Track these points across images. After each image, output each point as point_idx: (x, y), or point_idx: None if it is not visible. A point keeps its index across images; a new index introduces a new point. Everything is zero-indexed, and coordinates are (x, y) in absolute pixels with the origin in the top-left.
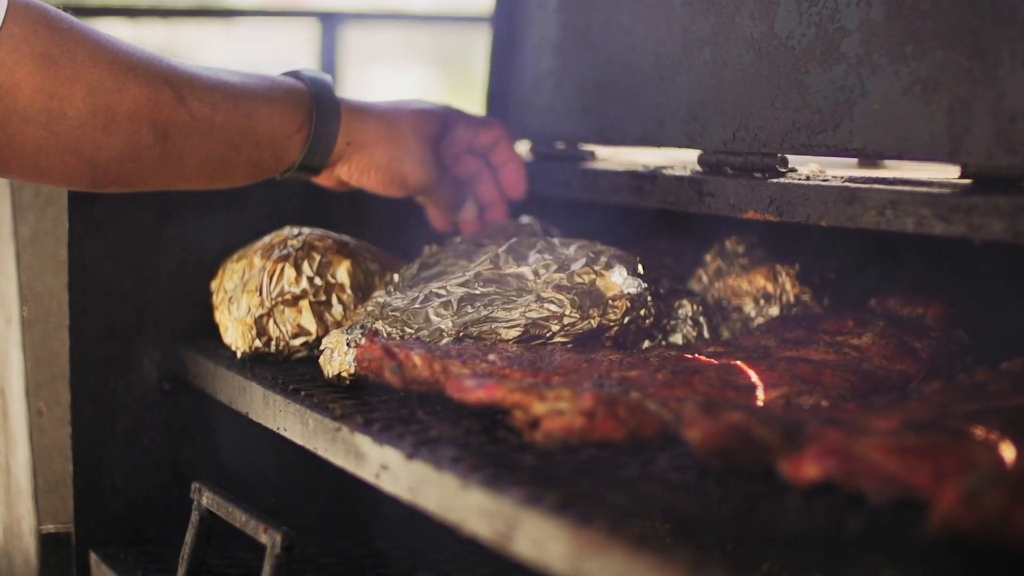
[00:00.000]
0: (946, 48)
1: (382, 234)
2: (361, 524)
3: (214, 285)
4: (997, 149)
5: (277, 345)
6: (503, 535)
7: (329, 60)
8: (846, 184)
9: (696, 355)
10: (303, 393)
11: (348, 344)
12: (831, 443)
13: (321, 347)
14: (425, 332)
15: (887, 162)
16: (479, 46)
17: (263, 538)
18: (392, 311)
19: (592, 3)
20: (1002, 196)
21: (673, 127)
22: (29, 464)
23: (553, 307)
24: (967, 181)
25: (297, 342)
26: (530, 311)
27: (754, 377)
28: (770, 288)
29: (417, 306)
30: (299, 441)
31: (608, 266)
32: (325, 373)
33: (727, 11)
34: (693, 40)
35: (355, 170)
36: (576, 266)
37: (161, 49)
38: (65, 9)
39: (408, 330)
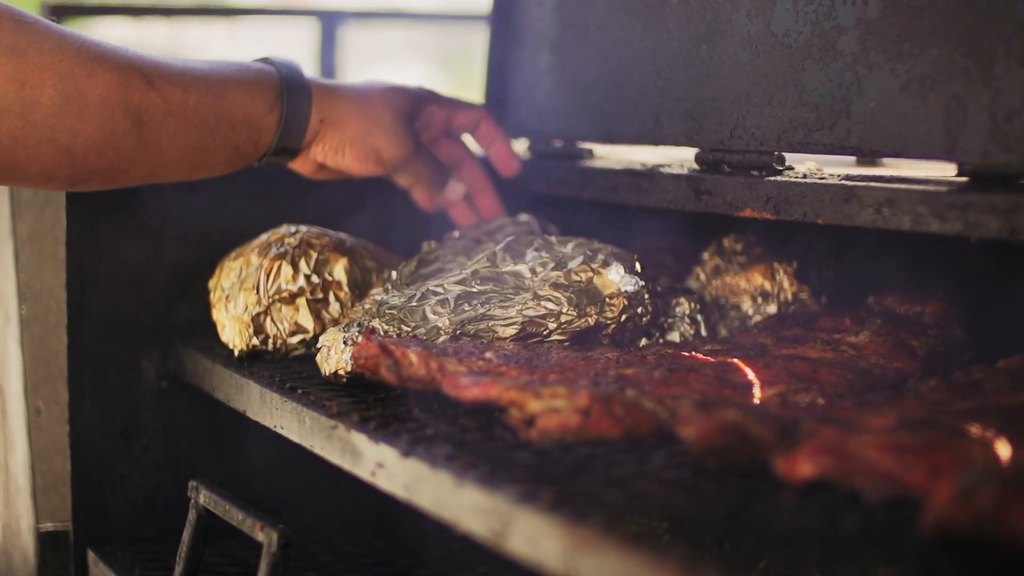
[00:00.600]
0: (942, 46)
1: (380, 232)
2: (360, 522)
3: (211, 283)
4: (993, 147)
5: (274, 343)
6: (498, 533)
7: (329, 59)
8: (843, 182)
9: (693, 353)
10: (300, 391)
11: (345, 342)
12: (826, 441)
13: (318, 345)
14: (422, 330)
15: (885, 160)
16: (481, 44)
17: (260, 536)
18: (389, 309)
19: (589, 1)
20: (998, 194)
21: (670, 125)
22: (28, 462)
23: (550, 305)
24: (963, 179)
25: (294, 340)
26: (527, 309)
27: (751, 375)
28: (768, 286)
29: (414, 304)
30: (296, 439)
31: (605, 264)
32: (322, 371)
33: (724, 9)
34: (690, 38)
35: (330, 148)
36: (573, 264)
37: (165, 48)
38: (66, 9)
39: (405, 328)
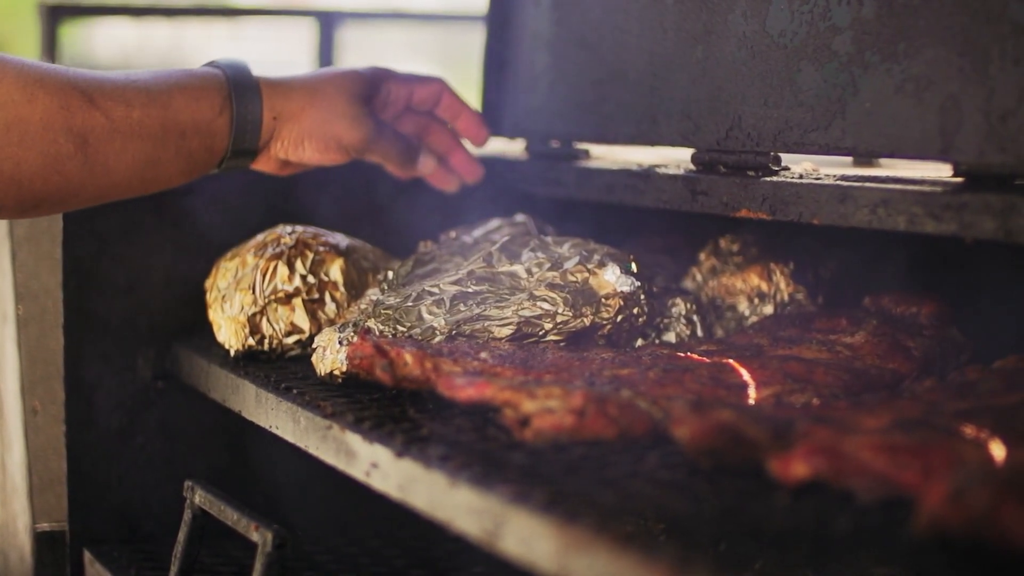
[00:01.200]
0: (937, 46)
1: (376, 232)
2: (356, 522)
3: (207, 283)
4: (988, 147)
5: (270, 343)
6: (491, 533)
7: (327, 60)
8: (838, 183)
9: (688, 353)
10: (295, 391)
11: (340, 342)
12: (820, 441)
13: (313, 345)
14: (418, 330)
15: (882, 160)
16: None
17: (254, 536)
18: (385, 309)
19: (585, 1)
20: (993, 194)
21: (667, 125)
22: (24, 462)
23: (546, 305)
24: (959, 179)
25: (290, 340)
26: (523, 309)
27: (746, 376)
28: (764, 287)
29: (410, 304)
30: (290, 439)
31: (601, 264)
32: (317, 371)
33: (720, 9)
34: (686, 38)
35: (289, 144)
36: (569, 264)
37: (166, 49)
38: (64, 9)
39: (400, 328)
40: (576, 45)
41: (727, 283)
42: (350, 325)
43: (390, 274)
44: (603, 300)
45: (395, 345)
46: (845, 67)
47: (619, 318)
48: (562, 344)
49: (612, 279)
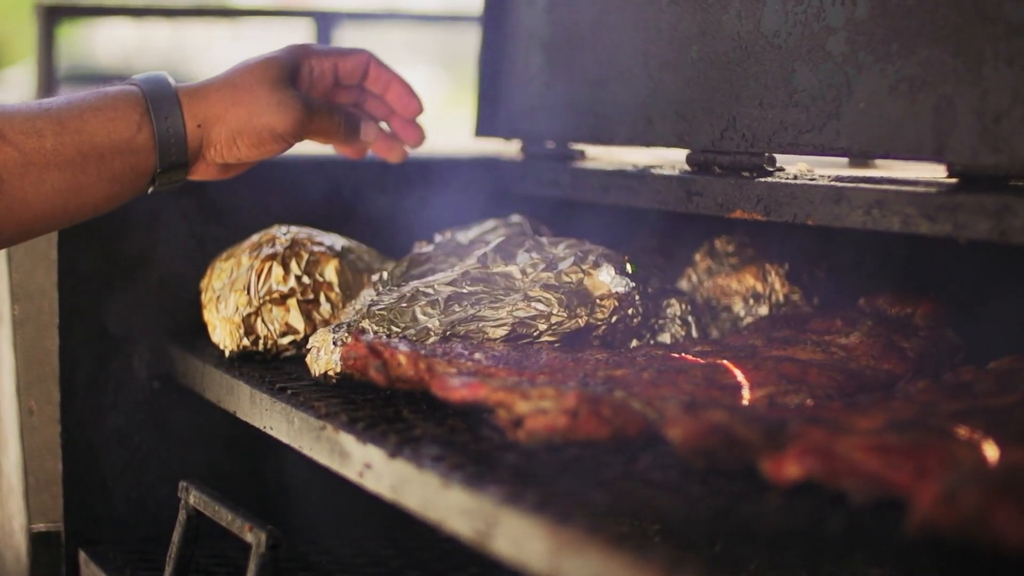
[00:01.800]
0: (931, 46)
1: (372, 233)
2: (352, 522)
3: (203, 284)
4: (982, 148)
5: (265, 344)
6: (483, 533)
7: None
8: (833, 183)
9: (683, 354)
10: (289, 392)
11: (334, 343)
12: (813, 442)
13: (308, 346)
14: (412, 331)
15: (878, 161)
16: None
17: (248, 537)
18: (379, 310)
19: (580, 1)
20: (987, 195)
21: (662, 126)
22: (20, 463)
23: (540, 306)
24: (953, 180)
25: (285, 341)
26: (517, 310)
27: (740, 376)
28: (759, 287)
29: (404, 305)
30: (285, 440)
31: (596, 265)
32: (312, 372)
33: (714, 9)
34: (681, 38)
35: (222, 146)
36: (564, 265)
37: (167, 50)
38: (62, 10)
39: (395, 329)
40: (571, 46)
41: (722, 284)
42: (344, 326)
43: (385, 275)
44: (598, 301)
45: (389, 346)
46: (839, 67)
47: (614, 319)
48: (557, 345)
49: (607, 280)
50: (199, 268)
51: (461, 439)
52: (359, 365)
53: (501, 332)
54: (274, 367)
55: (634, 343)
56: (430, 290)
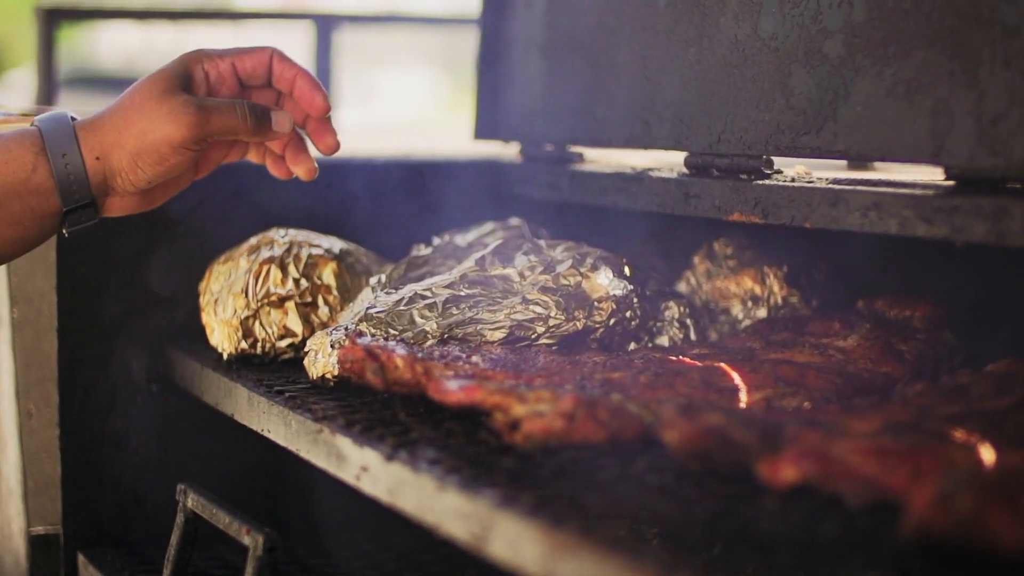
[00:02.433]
0: (927, 49)
1: (370, 235)
2: (350, 525)
3: (201, 287)
4: (979, 150)
5: (263, 347)
6: (478, 537)
7: (324, 63)
8: (830, 186)
9: (680, 357)
10: (287, 395)
11: (332, 346)
12: (809, 445)
13: (305, 349)
14: (409, 334)
15: (876, 163)
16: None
17: (246, 540)
18: (377, 312)
19: (578, 4)
20: (984, 197)
21: (659, 129)
22: (19, 465)
23: (538, 309)
24: (950, 183)
25: (283, 343)
26: (515, 313)
27: (737, 379)
28: (758, 290)
29: (402, 307)
30: (282, 442)
31: (594, 268)
32: (309, 375)
33: (711, 12)
34: (678, 41)
35: (127, 173)
36: (562, 268)
37: (170, 53)
38: (62, 12)
39: (392, 331)
40: (569, 49)
41: (721, 286)
42: (342, 328)
43: (383, 277)
44: (596, 303)
45: (386, 349)
46: (836, 70)
47: (612, 321)
48: (554, 348)
49: (605, 282)
50: (198, 271)
51: (457, 442)
52: (356, 368)
53: (499, 335)
54: (272, 370)
55: (632, 346)
56: (428, 293)
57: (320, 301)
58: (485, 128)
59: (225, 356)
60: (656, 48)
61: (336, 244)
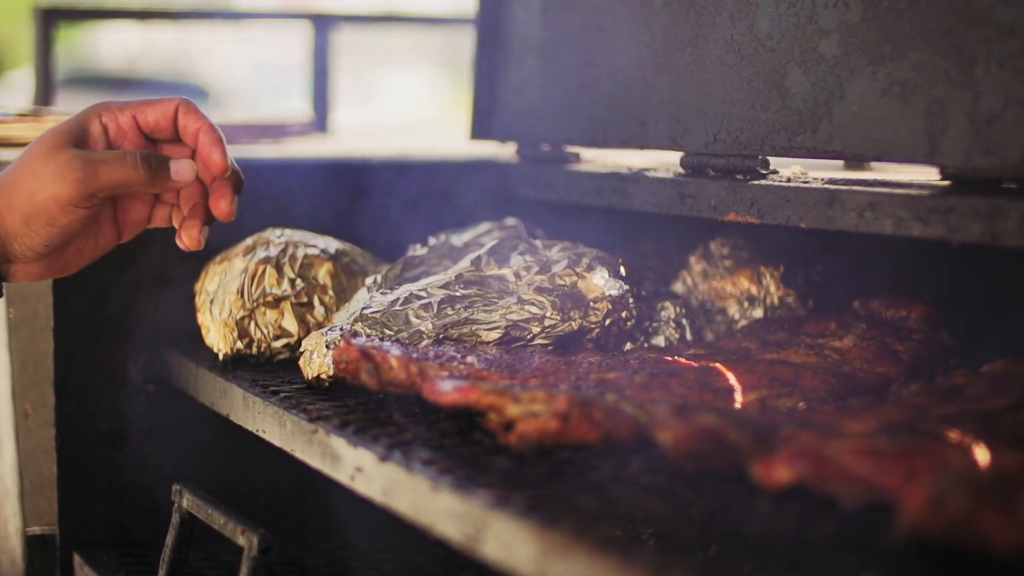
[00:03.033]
0: (923, 49)
1: (367, 234)
2: (347, 526)
3: (197, 287)
4: (975, 151)
5: (259, 347)
6: (472, 537)
7: (322, 63)
8: (826, 186)
9: (676, 357)
10: (282, 395)
11: (327, 346)
12: (803, 446)
13: (301, 349)
14: (405, 334)
15: (873, 164)
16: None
17: (241, 540)
18: (372, 312)
19: (574, 4)
20: (980, 198)
21: (655, 129)
22: (15, 466)
23: (534, 309)
24: (946, 183)
25: (279, 344)
26: (511, 313)
27: (732, 380)
28: (754, 290)
29: (397, 308)
30: (277, 443)
31: (590, 268)
32: (305, 375)
33: (707, 12)
34: (674, 41)
35: (23, 238)
36: (558, 268)
37: (171, 53)
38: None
39: (388, 331)
40: (565, 48)
41: (717, 287)
42: (337, 329)
43: (378, 277)
44: (591, 304)
45: (381, 349)
46: (832, 70)
47: (607, 322)
48: (550, 348)
49: (600, 283)
50: (194, 270)
51: (452, 443)
52: (351, 368)
53: (494, 335)
54: (267, 370)
55: (628, 346)
56: (423, 293)
57: (316, 301)
58: (481, 128)
59: (221, 356)
60: (652, 48)
61: (332, 244)
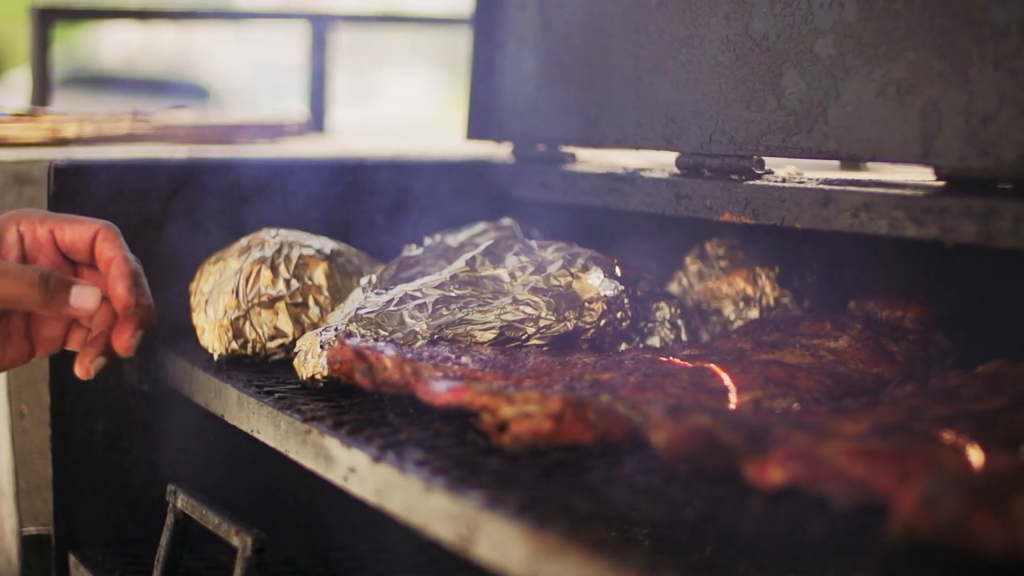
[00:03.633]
0: (918, 49)
1: (362, 235)
2: (342, 527)
3: (192, 287)
4: (969, 151)
5: (254, 347)
6: (464, 538)
7: (319, 63)
8: (821, 186)
9: (671, 358)
10: (276, 395)
11: (321, 346)
12: (797, 447)
13: (295, 349)
14: (399, 334)
15: (869, 164)
16: None
17: (235, 541)
18: (367, 313)
19: (570, 5)
20: (975, 198)
21: (651, 129)
22: (11, 466)
23: (529, 309)
24: (941, 183)
25: (273, 344)
26: (506, 313)
27: (727, 380)
28: (750, 291)
29: (392, 308)
30: (271, 443)
31: (585, 268)
32: (299, 375)
33: (703, 12)
34: (670, 41)
35: None
36: (553, 268)
37: (171, 52)
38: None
39: (382, 332)
40: (562, 48)
41: (713, 287)
42: (332, 329)
43: (373, 278)
44: (586, 304)
45: (375, 350)
46: (827, 70)
47: (602, 322)
48: (545, 348)
49: (596, 283)
50: (189, 271)
51: (445, 443)
52: (345, 369)
53: (489, 335)
54: (262, 371)
55: (623, 346)
56: (418, 293)
57: (311, 302)
58: (477, 128)
59: (216, 357)
60: (648, 48)
61: (327, 244)
